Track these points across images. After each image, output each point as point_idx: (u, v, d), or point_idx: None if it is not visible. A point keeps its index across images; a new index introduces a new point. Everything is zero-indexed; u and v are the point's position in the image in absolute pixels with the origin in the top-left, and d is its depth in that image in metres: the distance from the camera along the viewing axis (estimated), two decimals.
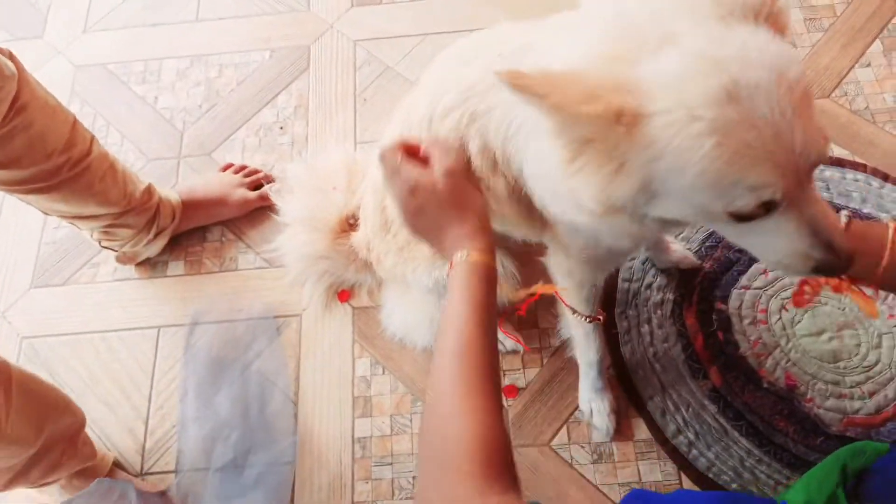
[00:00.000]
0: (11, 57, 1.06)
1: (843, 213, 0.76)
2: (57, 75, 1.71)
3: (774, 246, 0.65)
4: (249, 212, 1.49)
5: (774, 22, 0.60)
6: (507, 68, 0.56)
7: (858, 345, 1.28)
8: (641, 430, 1.25)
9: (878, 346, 1.27)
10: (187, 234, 1.49)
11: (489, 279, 0.70)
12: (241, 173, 1.50)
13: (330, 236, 1.30)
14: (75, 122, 1.19)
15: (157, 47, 1.73)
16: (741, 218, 0.60)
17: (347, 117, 1.59)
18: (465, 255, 0.71)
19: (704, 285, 1.36)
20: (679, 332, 1.32)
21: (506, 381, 1.31)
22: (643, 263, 1.40)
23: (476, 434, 0.59)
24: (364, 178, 1.30)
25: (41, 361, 1.40)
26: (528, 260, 1.15)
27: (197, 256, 1.48)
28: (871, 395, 1.23)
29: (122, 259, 1.44)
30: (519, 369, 1.32)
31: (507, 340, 1.33)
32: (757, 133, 0.55)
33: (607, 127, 0.56)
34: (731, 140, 0.55)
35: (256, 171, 1.51)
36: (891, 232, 0.73)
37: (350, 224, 1.32)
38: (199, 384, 1.30)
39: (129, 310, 1.43)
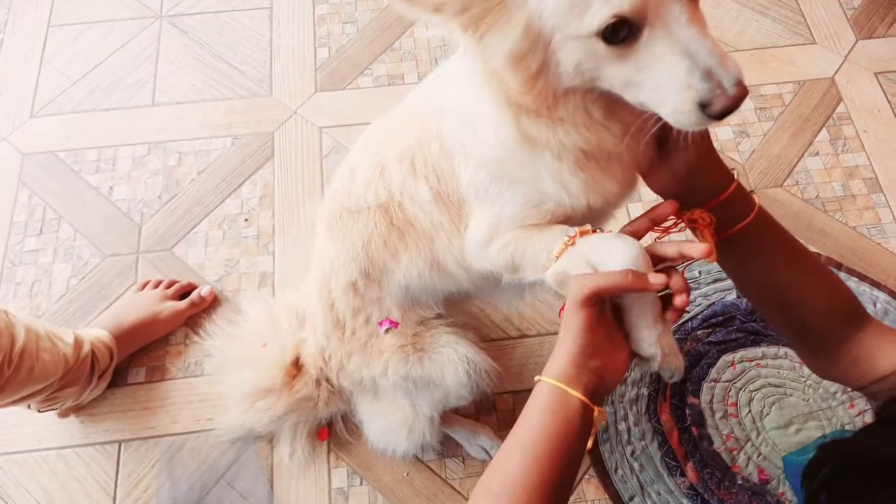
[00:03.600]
0: None
1: (735, 172, 0.83)
2: (1, 164, 1.63)
3: (659, 82, 0.60)
4: (183, 322, 1.46)
5: None
6: None
7: (824, 436, 1.35)
8: None
9: (842, 436, 1.34)
10: None
11: (556, 406, 0.72)
12: (160, 287, 1.45)
13: (285, 391, 1.23)
14: None
15: (112, 133, 1.68)
16: (613, 40, 0.59)
17: (315, 208, 1.57)
18: (540, 379, 0.74)
19: (678, 380, 1.41)
20: (655, 429, 1.36)
21: None
22: None
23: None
24: (291, 314, 1.28)
25: None
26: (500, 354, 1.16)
27: (160, 362, 1.43)
28: None
29: (65, 413, 1.36)
30: None
31: (494, 446, 1.33)
32: None
33: None
34: None
35: (176, 282, 1.47)
36: (757, 202, 0.80)
37: (296, 366, 1.25)
38: None
39: (87, 423, 1.37)
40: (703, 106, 0.59)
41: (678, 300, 0.73)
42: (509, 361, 1.43)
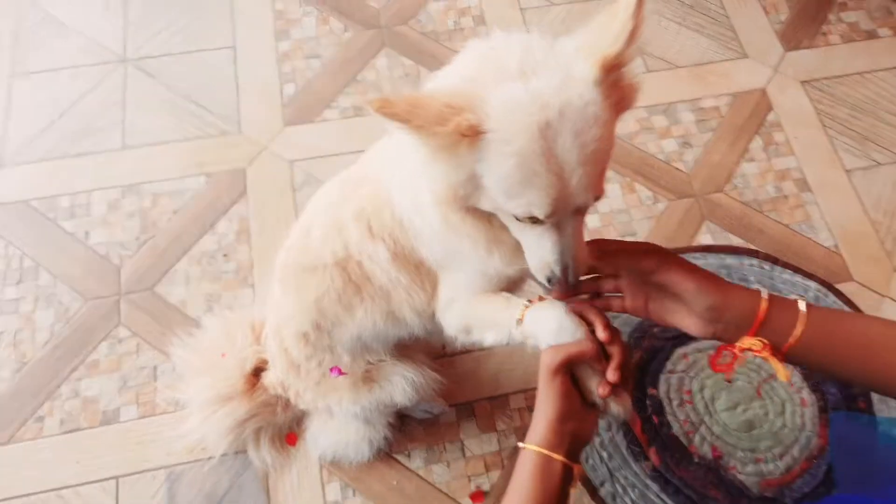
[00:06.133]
0: None
1: (763, 290, 0.86)
2: None
3: (534, 248, 0.83)
4: None
5: (622, 90, 0.76)
6: (377, 97, 0.70)
7: (767, 413, 1.53)
8: None
9: (782, 412, 1.54)
10: (135, 372, 1.54)
11: (541, 470, 0.85)
12: None
13: (246, 397, 1.37)
14: None
15: (84, 179, 1.77)
16: (520, 219, 0.79)
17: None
18: (524, 446, 0.87)
19: (638, 374, 1.57)
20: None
21: (471, 487, 1.45)
22: None
23: None
24: (247, 329, 1.41)
25: None
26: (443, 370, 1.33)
27: (149, 397, 1.53)
28: (781, 456, 1.49)
29: None
30: (483, 473, 1.47)
31: (434, 407, 1.51)
32: (546, 166, 0.72)
33: (455, 139, 0.72)
34: (526, 165, 0.72)
35: None
36: (802, 309, 0.84)
37: (255, 375, 1.38)
38: None
39: (84, 462, 1.46)
40: (549, 280, 0.84)
41: (610, 375, 0.88)
42: (485, 371, 1.58)
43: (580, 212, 0.80)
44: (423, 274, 1.00)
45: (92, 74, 1.91)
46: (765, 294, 0.85)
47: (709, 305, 0.84)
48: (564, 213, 0.78)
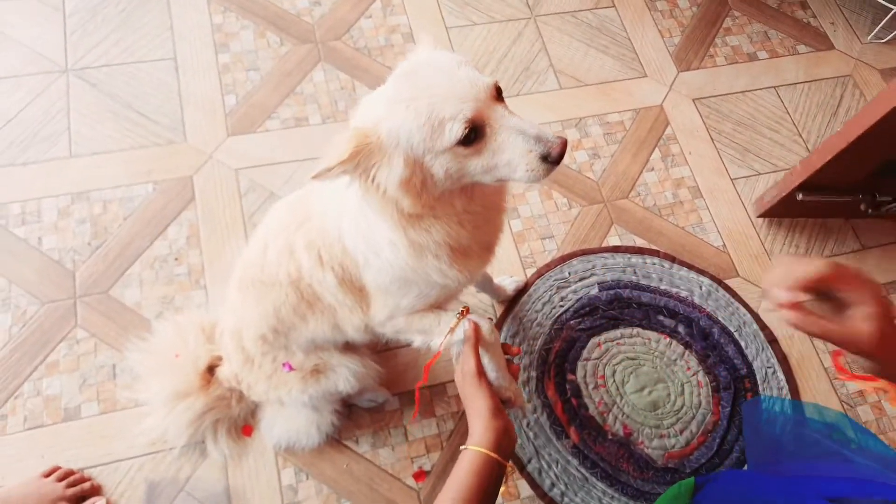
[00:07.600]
0: None
1: None
2: None
3: (509, 157, 0.88)
4: None
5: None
6: (312, 173, 0.87)
7: (669, 394, 1.82)
8: (525, 489, 1.67)
9: (682, 393, 1.83)
10: (95, 370, 1.67)
11: (480, 468, 1.00)
12: (64, 482, 1.52)
13: (202, 392, 1.52)
14: None
15: (33, 186, 1.85)
16: (468, 142, 0.87)
17: (240, 243, 1.85)
18: (466, 448, 1.03)
19: (558, 361, 1.83)
20: (543, 403, 1.78)
21: (414, 468, 1.67)
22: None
23: None
24: (197, 330, 1.57)
25: None
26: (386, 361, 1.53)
27: (109, 393, 1.65)
28: (682, 432, 1.78)
29: None
30: (424, 455, 1.69)
31: (378, 396, 1.70)
32: (434, 89, 0.86)
33: (365, 148, 0.87)
34: (419, 99, 0.85)
35: (83, 480, 1.55)
36: None
37: (209, 372, 1.55)
38: None
39: (48, 456, 1.57)
40: (544, 158, 0.88)
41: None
42: (424, 362, 1.79)
43: (498, 99, 0.90)
44: (364, 297, 1.20)
45: (34, 84, 1.98)
46: None
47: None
48: (486, 105, 0.87)
